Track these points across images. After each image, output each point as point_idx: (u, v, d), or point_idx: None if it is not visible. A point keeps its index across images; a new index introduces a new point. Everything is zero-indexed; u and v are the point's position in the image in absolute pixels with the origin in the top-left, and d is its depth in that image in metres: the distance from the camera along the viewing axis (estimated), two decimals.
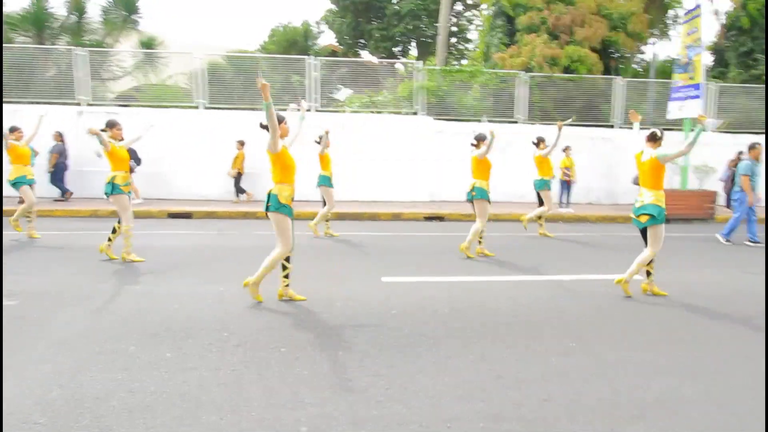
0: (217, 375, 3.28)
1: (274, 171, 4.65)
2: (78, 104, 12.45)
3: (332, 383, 3.20)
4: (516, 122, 13.15)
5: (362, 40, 18.02)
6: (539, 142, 8.78)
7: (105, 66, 14.01)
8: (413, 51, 20.66)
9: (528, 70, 14.06)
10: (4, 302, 4.62)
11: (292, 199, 4.69)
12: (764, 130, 11.81)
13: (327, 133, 8.03)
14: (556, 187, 10.44)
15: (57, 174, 11.50)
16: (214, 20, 56.87)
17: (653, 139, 5.21)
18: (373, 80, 13.62)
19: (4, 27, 14.05)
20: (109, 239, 6.38)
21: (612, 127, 13.57)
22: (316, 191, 8.49)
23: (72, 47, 12.71)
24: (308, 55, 13.26)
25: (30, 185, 7.72)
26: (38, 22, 13.79)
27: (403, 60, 14.20)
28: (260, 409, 2.86)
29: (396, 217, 10.60)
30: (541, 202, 8.85)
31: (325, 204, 8.23)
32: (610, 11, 15.36)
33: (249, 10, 57.87)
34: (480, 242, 7.05)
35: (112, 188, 6.14)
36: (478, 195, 6.92)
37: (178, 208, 10.57)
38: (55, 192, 11.51)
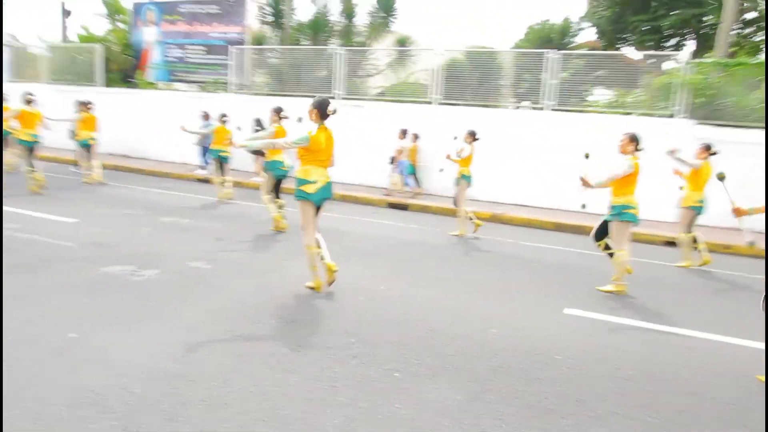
0: (309, 385, 2.96)
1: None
2: (332, 98, 14.03)
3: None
4: None
5: (625, 35, 15.62)
6: None
7: (362, 64, 15.50)
8: (689, 45, 16.98)
9: None
10: (199, 264, 5.28)
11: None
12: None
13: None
14: None
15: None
16: (472, 20, 58.25)
17: None
18: (629, 78, 11.59)
19: (294, 32, 16.84)
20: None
21: None
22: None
23: (334, 47, 14.31)
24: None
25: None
26: (316, 27, 16.01)
27: (666, 53, 11.63)
28: None
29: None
30: None
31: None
32: None
33: (509, 10, 57.44)
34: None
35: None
36: None
37: (397, 199, 10.90)
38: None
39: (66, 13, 22.28)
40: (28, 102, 9.02)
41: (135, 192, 9.94)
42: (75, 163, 12.94)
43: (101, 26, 20.58)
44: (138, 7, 17.97)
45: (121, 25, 19.72)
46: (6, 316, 3.63)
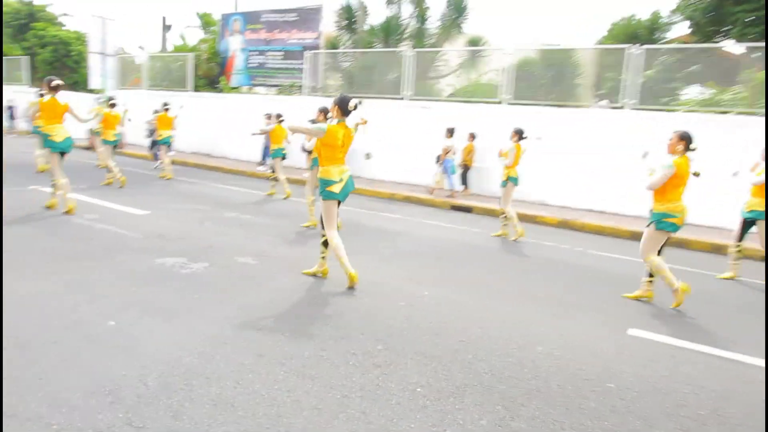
0: (323, 393, 2.82)
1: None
2: (401, 99, 13.94)
3: None
4: None
5: (724, 27, 14.05)
6: None
7: (433, 65, 15.30)
8: None
9: None
10: (247, 259, 5.35)
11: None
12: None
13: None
14: None
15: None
16: (548, 20, 55.78)
17: None
18: (727, 73, 10.41)
19: (366, 36, 16.99)
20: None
21: None
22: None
23: (403, 49, 14.21)
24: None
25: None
26: (388, 31, 16.02)
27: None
28: None
29: (715, 249, 7.82)
30: None
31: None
32: None
33: (593, 7, 54.35)
34: None
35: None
36: None
37: (461, 202, 10.56)
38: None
39: (166, 27, 24.11)
40: (111, 106, 9.81)
41: (208, 188, 10.42)
42: (152, 159, 13.95)
43: (195, 37, 22.06)
44: (226, 18, 19.02)
45: (210, 36, 21.02)
46: (58, 300, 3.84)
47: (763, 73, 9.31)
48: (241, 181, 12.06)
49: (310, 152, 6.96)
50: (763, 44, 9.64)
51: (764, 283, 5.91)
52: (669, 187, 4.73)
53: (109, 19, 17.77)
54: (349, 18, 16.83)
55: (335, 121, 4.72)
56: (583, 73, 11.79)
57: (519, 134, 7.56)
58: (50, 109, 6.69)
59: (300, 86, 16.20)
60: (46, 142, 6.78)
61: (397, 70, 14.25)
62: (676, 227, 4.79)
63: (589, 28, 54.61)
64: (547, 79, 11.80)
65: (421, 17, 16.67)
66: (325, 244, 4.89)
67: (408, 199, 10.99)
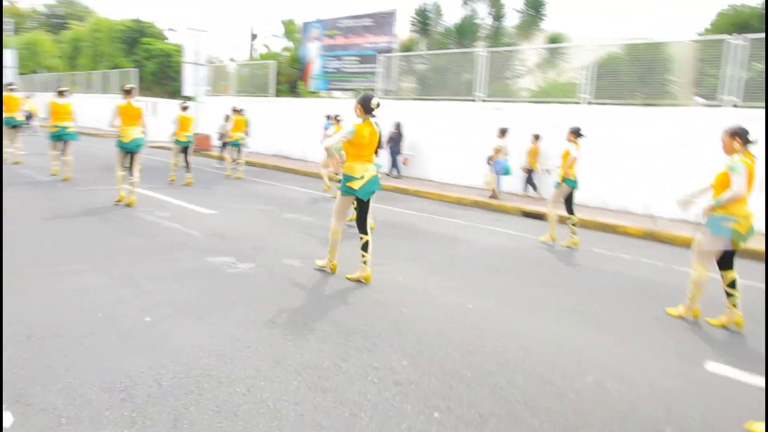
0: (332, 409, 2.65)
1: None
2: (473, 101, 13.51)
3: None
4: None
5: None
6: None
7: (509, 65, 14.67)
8: None
9: None
10: (294, 261, 5.32)
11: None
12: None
13: None
14: None
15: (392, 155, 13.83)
16: (641, 12, 51.56)
17: None
18: None
19: (441, 37, 16.73)
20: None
21: None
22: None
23: (476, 50, 13.76)
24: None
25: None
26: (462, 31, 15.64)
27: None
28: None
29: None
30: None
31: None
32: None
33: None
34: None
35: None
36: None
37: (532, 208, 9.98)
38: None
39: (253, 36, 25.46)
40: (184, 109, 10.43)
41: (280, 189, 10.70)
42: (221, 159, 14.76)
43: (279, 45, 23.07)
44: (306, 26, 19.65)
45: (292, 43, 21.83)
46: (105, 293, 4.02)
47: None
48: (313, 183, 12.28)
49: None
50: None
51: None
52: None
53: (202, 31, 18.97)
54: (423, 20, 16.65)
55: (360, 119, 4.75)
56: (678, 69, 10.68)
57: (575, 133, 7.00)
58: (126, 112, 7.24)
59: (373, 89, 16.28)
60: (117, 141, 7.40)
61: (470, 71, 13.85)
62: (736, 235, 4.17)
63: (689, 20, 50.06)
64: (633, 76, 10.83)
65: (498, 16, 16.11)
66: (365, 247, 4.80)
67: (477, 204, 10.59)
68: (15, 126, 10.81)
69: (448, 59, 14.76)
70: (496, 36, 16.10)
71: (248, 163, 15.38)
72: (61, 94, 9.25)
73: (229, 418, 2.52)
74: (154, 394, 2.68)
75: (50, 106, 9.20)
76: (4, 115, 10.27)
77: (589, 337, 3.91)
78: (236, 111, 12.08)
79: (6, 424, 2.34)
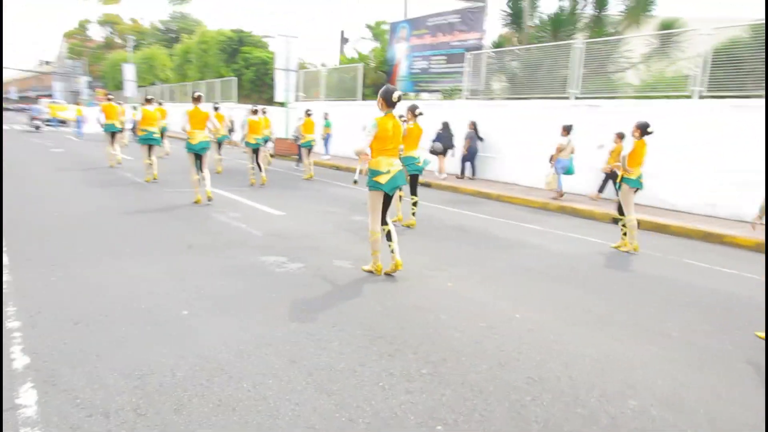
0: (332, 413, 2.55)
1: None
2: (567, 98, 12.68)
3: None
4: None
5: None
6: None
7: (611, 58, 13.54)
8: None
9: None
10: (343, 263, 5.30)
11: None
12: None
13: None
14: None
15: (468, 156, 13.48)
16: None
17: None
18: None
19: (535, 31, 15.92)
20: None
21: None
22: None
23: (571, 42, 12.90)
24: None
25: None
26: (557, 24, 14.75)
27: None
28: None
29: None
30: None
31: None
32: None
33: None
34: None
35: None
36: None
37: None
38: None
39: (344, 41, 26.19)
40: (254, 113, 11.07)
41: (354, 192, 10.81)
42: (297, 162, 15.35)
43: (368, 47, 23.53)
44: (394, 27, 19.77)
45: (380, 45, 22.11)
46: (156, 285, 4.28)
47: None
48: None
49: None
50: None
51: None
52: None
53: (293, 38, 19.86)
54: (516, 13, 15.95)
55: (383, 113, 4.70)
56: None
57: (642, 129, 6.29)
58: (194, 117, 7.88)
59: (461, 89, 15.93)
60: (186, 144, 8.14)
61: (565, 66, 13.03)
62: None
63: None
64: (760, 63, 9.44)
65: (600, 4, 14.93)
66: (389, 237, 4.90)
67: (563, 209, 9.89)
68: (114, 132, 12.21)
69: (540, 54, 14.02)
70: (597, 26, 14.96)
71: (331, 167, 15.85)
72: (148, 102, 10.38)
73: (227, 412, 2.53)
74: (166, 384, 2.76)
75: (142, 113, 10.30)
76: (106, 122, 11.57)
77: (649, 359, 3.43)
78: (306, 113, 12.69)
79: (30, 400, 2.54)
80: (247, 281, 4.57)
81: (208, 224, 6.86)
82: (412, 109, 7.00)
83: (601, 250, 6.69)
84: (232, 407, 2.58)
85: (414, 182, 7.46)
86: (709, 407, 2.83)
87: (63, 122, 29.14)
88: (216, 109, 12.52)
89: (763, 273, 5.76)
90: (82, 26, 67.30)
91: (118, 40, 62.43)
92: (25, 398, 2.54)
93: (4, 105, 55.91)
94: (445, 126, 13.83)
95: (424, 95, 19.48)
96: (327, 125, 17.22)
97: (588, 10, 15.08)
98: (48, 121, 27.88)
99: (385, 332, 3.61)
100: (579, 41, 12.64)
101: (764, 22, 9.29)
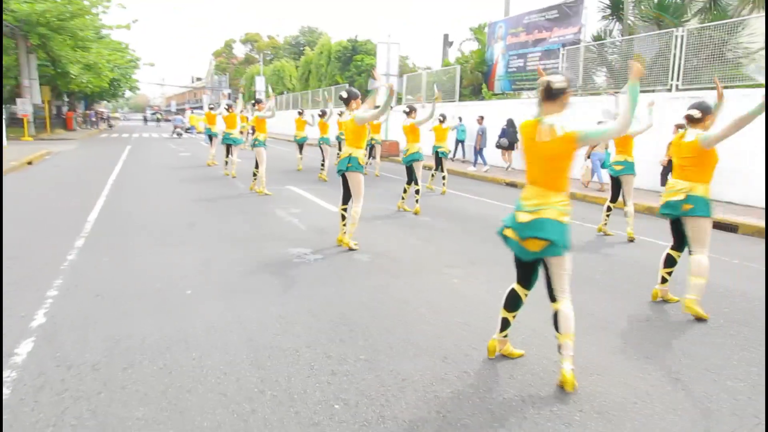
0: (294, 419, 2.78)
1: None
2: (669, 90, 11.48)
3: None
4: None
5: None
6: None
7: (730, 43, 11.94)
8: None
9: None
10: (363, 256, 5.49)
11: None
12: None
13: None
14: None
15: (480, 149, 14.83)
16: None
17: None
18: None
19: (639, 20, 14.56)
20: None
21: None
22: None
23: (669, 30, 11.63)
24: None
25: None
26: (662, 9, 13.35)
27: None
28: None
29: None
30: None
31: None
32: None
33: None
34: None
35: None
36: None
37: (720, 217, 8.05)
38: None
39: (448, 44, 26.17)
40: (321, 116, 12.15)
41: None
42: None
43: (470, 48, 23.26)
44: (492, 27, 19.40)
45: (481, 46, 21.74)
46: (180, 268, 4.85)
47: None
48: (469, 186, 12.14)
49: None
50: None
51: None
52: None
53: (394, 44, 20.40)
54: (615, 4, 14.74)
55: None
56: None
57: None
58: (258, 122, 8.88)
59: None
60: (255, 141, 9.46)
61: (665, 56, 11.80)
62: None
63: None
64: None
65: None
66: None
67: (650, 211, 8.99)
68: (211, 136, 13.99)
69: (639, 44, 12.84)
70: (714, 9, 13.29)
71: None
72: (229, 108, 11.80)
73: (163, 374, 2.89)
74: (132, 348, 3.21)
75: (224, 119, 11.88)
76: (224, 131, 12.90)
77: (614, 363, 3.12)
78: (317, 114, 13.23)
79: (24, 351, 3.13)
80: (261, 269, 4.97)
81: (264, 218, 7.49)
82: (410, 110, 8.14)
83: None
84: (169, 370, 2.94)
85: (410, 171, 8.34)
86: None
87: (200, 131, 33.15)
88: (300, 114, 13.82)
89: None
90: (228, 45, 75.36)
91: (256, 56, 69.19)
92: (21, 349, 3.15)
93: (165, 116, 64.61)
94: (510, 122, 14.56)
95: (525, 94, 18.78)
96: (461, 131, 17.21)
97: None
98: (188, 129, 31.85)
99: (354, 321, 3.74)
100: (680, 29, 11.33)
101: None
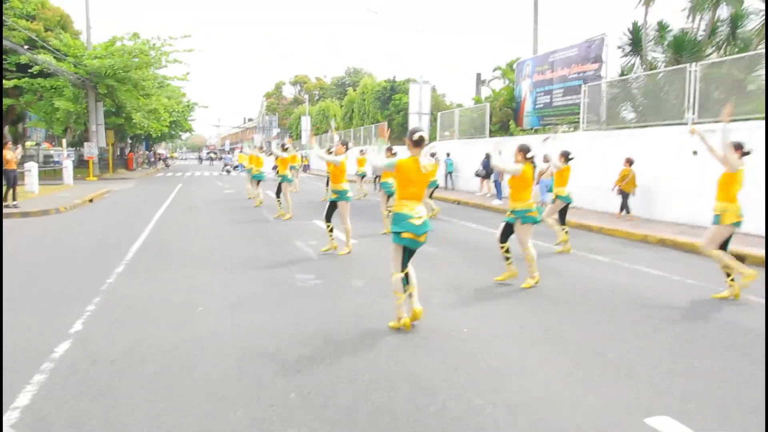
0: (203, 406, 3.45)
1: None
2: (684, 124, 11.65)
3: None
4: None
5: None
6: None
7: (749, 77, 12.04)
8: None
9: None
10: (358, 282, 6.10)
11: None
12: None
13: None
14: None
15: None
16: None
17: None
18: None
19: (661, 55, 14.84)
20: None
21: None
22: None
23: (688, 65, 11.87)
24: None
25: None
26: (678, 47, 13.63)
27: None
28: None
29: None
30: None
31: None
32: None
33: None
34: None
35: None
36: None
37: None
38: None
39: (481, 82, 26.99)
40: (328, 152, 13.18)
41: (451, 226, 11.34)
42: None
43: (499, 86, 23.96)
44: (520, 65, 20.10)
45: (510, 84, 22.40)
46: (196, 288, 5.64)
47: None
48: (481, 217, 12.60)
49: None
50: None
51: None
52: None
53: (425, 84, 21.40)
54: (635, 41, 15.11)
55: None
56: None
57: (565, 156, 8.06)
58: (282, 161, 9.78)
59: (577, 122, 15.50)
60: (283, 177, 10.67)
61: (681, 90, 12.03)
62: None
63: None
64: None
65: (736, 20, 13.42)
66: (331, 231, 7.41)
67: (674, 244, 9.04)
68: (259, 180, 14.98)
69: (656, 80, 13.13)
70: (731, 44, 13.45)
71: (447, 201, 16.55)
72: (260, 149, 13.19)
73: (136, 366, 3.63)
74: (131, 350, 3.95)
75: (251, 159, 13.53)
76: (254, 169, 14.04)
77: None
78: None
79: (61, 350, 3.94)
80: (267, 291, 5.69)
81: (283, 246, 8.29)
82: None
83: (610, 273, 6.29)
84: (144, 365, 3.66)
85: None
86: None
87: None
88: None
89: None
90: (278, 87, 79.53)
91: (305, 96, 72.70)
92: (59, 348, 3.97)
93: (218, 155, 68.28)
94: (487, 155, 16.06)
95: (563, 128, 19.08)
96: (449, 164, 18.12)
97: (723, 29, 13.60)
98: (236, 166, 33.86)
99: (326, 349, 4.01)
100: (693, 64, 11.59)
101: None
